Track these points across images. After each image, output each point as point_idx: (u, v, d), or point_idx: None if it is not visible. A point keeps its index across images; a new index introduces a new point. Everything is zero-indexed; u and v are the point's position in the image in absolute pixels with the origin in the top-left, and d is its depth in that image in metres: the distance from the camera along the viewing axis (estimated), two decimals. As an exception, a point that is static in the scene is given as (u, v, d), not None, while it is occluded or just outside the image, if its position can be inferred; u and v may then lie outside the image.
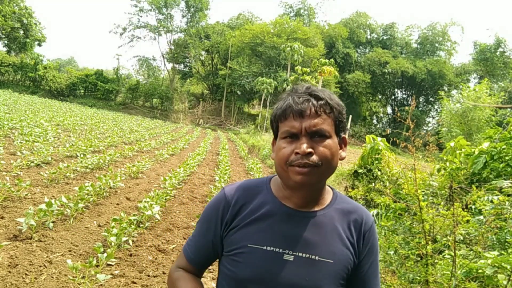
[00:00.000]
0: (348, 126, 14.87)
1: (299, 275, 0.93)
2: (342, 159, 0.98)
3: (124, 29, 42.01)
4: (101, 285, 2.99)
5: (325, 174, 0.93)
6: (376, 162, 6.17)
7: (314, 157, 0.90)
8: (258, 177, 1.11)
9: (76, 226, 4.13)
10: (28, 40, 39.79)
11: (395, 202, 3.42)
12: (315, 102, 0.92)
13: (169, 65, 44.57)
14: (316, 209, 0.99)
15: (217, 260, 1.08)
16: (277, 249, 0.95)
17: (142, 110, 37.82)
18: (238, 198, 1.02)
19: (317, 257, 0.95)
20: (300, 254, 0.95)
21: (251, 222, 0.98)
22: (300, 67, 27.22)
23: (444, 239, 2.65)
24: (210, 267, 2.85)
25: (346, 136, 1.02)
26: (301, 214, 0.98)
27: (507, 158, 4.00)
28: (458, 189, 3.90)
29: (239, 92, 36.44)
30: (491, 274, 2.09)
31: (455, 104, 17.37)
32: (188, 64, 45.18)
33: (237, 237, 0.98)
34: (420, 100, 39.94)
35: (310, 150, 0.89)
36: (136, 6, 40.93)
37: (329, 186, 1.05)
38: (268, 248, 0.95)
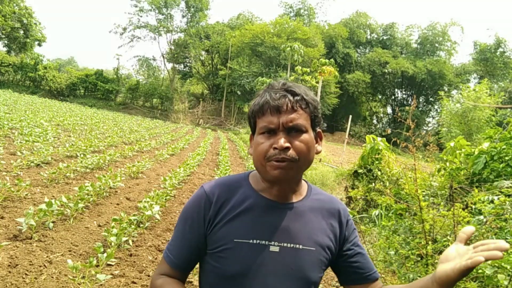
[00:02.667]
0: (348, 126, 14.93)
1: (285, 265, 0.96)
2: (318, 153, 1.01)
3: (124, 29, 42.01)
4: (101, 285, 2.99)
5: (302, 168, 0.96)
6: (376, 162, 6.17)
7: (292, 152, 0.92)
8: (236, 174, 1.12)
9: (76, 226, 4.13)
10: (28, 40, 39.80)
11: (396, 202, 3.42)
12: (291, 98, 0.94)
13: (169, 65, 44.59)
14: (295, 200, 1.03)
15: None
16: (263, 242, 0.96)
17: (142, 110, 37.84)
18: (219, 195, 1.01)
19: (300, 246, 0.98)
20: (285, 244, 0.97)
21: (235, 217, 0.98)
22: (300, 67, 27.19)
23: (444, 239, 2.65)
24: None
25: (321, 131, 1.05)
26: (282, 206, 1.00)
27: (507, 158, 4.00)
28: (459, 189, 3.90)
29: (239, 92, 36.43)
30: (491, 274, 2.09)
31: (455, 104, 17.35)
32: (188, 64, 45.18)
33: (221, 233, 0.98)
34: (420, 100, 39.95)
35: (287, 145, 0.91)
36: (136, 6, 40.94)
37: (303, 179, 1.08)
38: (254, 241, 0.96)
